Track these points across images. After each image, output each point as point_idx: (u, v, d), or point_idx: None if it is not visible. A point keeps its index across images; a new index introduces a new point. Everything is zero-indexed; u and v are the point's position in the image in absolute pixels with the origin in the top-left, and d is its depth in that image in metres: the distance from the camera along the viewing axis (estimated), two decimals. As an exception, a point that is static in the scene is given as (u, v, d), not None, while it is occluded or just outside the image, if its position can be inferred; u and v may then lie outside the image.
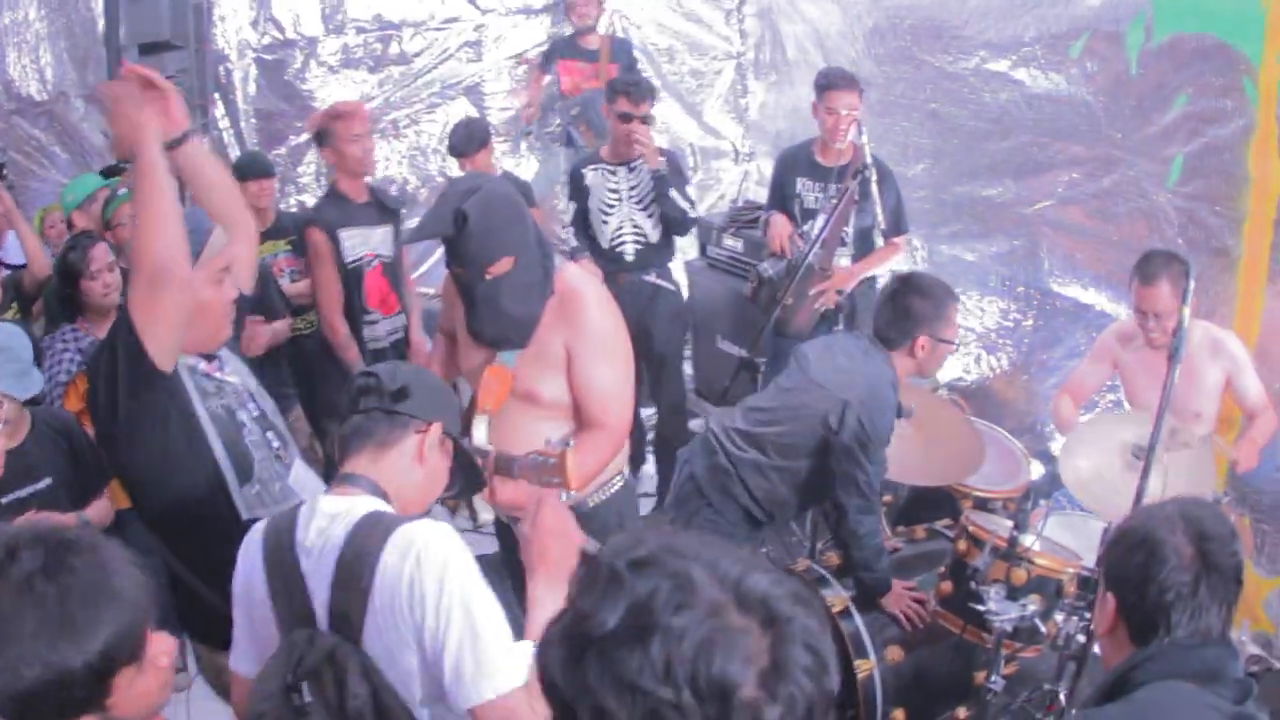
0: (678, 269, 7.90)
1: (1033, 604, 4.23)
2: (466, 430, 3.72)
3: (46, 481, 4.28)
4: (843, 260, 6.28)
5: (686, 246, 8.85)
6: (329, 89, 8.34)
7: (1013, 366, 7.31)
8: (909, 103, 7.73)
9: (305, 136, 7.67)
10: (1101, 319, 6.43)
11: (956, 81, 7.28)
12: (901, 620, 4.63)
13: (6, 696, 1.96)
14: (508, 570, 4.28)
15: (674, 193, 6.47)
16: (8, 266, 6.10)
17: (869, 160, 5.61)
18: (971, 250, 7.47)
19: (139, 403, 3.22)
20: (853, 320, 6.30)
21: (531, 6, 9.09)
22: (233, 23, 7.90)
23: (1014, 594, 4.25)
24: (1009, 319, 7.29)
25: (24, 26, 6.90)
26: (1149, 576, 2.47)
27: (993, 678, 4.23)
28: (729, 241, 7.85)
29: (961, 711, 4.61)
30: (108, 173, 6.11)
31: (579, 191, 6.72)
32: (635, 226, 6.63)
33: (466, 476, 3.15)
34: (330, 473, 3.22)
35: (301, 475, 3.56)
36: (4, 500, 4.15)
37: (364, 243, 5.77)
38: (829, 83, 6.17)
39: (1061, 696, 4.28)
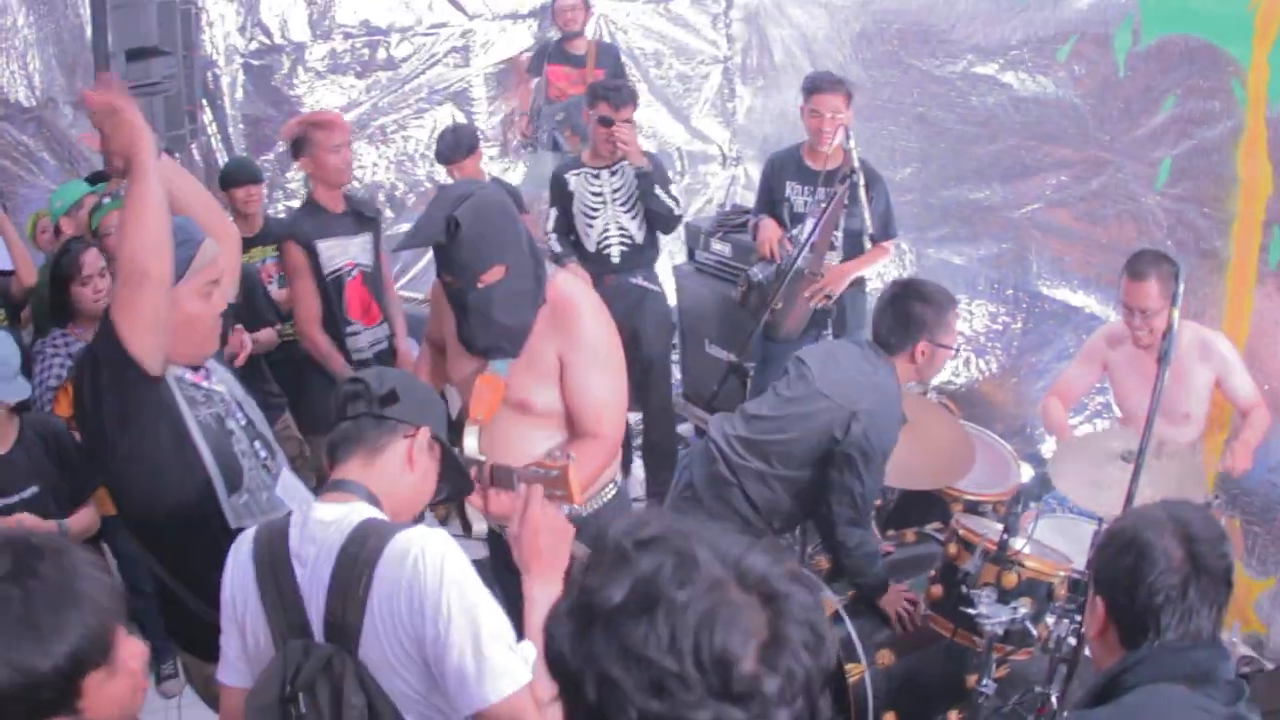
0: (665, 273, 7.90)
1: (1024, 607, 4.24)
2: (457, 441, 3.69)
3: (34, 489, 4.27)
4: (832, 264, 6.27)
5: (675, 251, 8.86)
6: (316, 94, 8.34)
7: (1002, 369, 7.32)
8: (896, 106, 7.73)
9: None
10: (1091, 321, 6.44)
11: (944, 85, 7.30)
12: (893, 620, 4.63)
13: None
14: (497, 581, 4.26)
15: (660, 190, 6.48)
16: (-4, 272, 6.08)
17: (856, 165, 5.61)
18: (960, 253, 7.48)
19: (125, 410, 3.18)
20: (842, 324, 6.32)
21: (518, 11, 9.10)
22: (220, 29, 7.89)
23: (1005, 597, 4.25)
24: (998, 322, 7.30)
25: (12, 32, 6.88)
26: (1139, 579, 2.47)
27: (984, 681, 4.23)
28: (717, 246, 7.83)
29: (953, 715, 4.60)
30: (94, 179, 6.09)
31: (562, 197, 6.71)
32: (621, 228, 6.64)
33: (454, 479, 3.14)
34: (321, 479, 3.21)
35: (289, 484, 3.54)
36: (-9, 507, 4.14)
37: (343, 253, 5.69)
38: (814, 86, 6.20)
39: (1053, 699, 4.29)
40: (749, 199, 8.41)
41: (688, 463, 5.01)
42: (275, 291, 6.21)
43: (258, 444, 3.52)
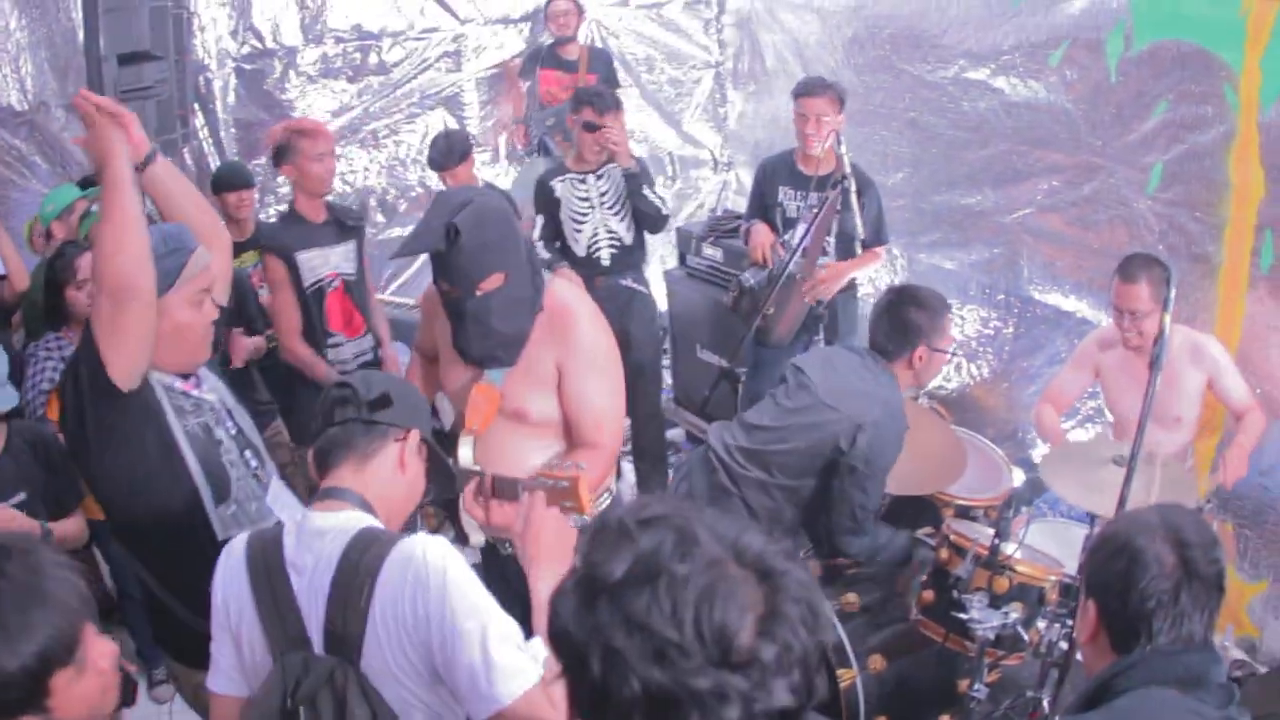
0: (656, 279, 7.91)
1: (1015, 612, 4.24)
2: (451, 452, 3.68)
3: (22, 495, 4.24)
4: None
5: (666, 256, 8.86)
6: (308, 99, 8.32)
7: (993, 374, 7.32)
8: (888, 112, 7.74)
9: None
10: (1082, 326, 6.44)
11: (936, 90, 7.30)
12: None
13: None
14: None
15: (647, 190, 6.53)
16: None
17: (848, 170, 5.62)
18: (951, 259, 7.48)
19: (106, 421, 3.16)
20: (833, 330, 6.31)
21: (510, 16, 9.09)
22: (212, 33, 7.87)
23: (996, 602, 4.25)
24: (989, 327, 7.30)
25: (4, 36, 6.85)
26: (1130, 584, 2.47)
27: (976, 686, 4.23)
28: (708, 251, 7.83)
29: (945, 719, 4.60)
30: (85, 183, 6.07)
31: (548, 203, 6.74)
32: (609, 231, 6.68)
33: (440, 480, 3.13)
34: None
35: (278, 494, 3.52)
36: (-23, 514, 4.11)
37: (324, 263, 5.64)
38: (801, 89, 6.24)
39: (1045, 703, 4.29)
40: (740, 204, 8.40)
41: (686, 471, 5.00)
42: (264, 297, 6.18)
43: (248, 453, 3.50)
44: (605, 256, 6.70)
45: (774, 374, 5.38)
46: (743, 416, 4.92)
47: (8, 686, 2.01)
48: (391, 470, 2.81)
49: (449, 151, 6.63)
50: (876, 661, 4.58)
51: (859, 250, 6.05)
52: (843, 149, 5.65)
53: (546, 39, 8.83)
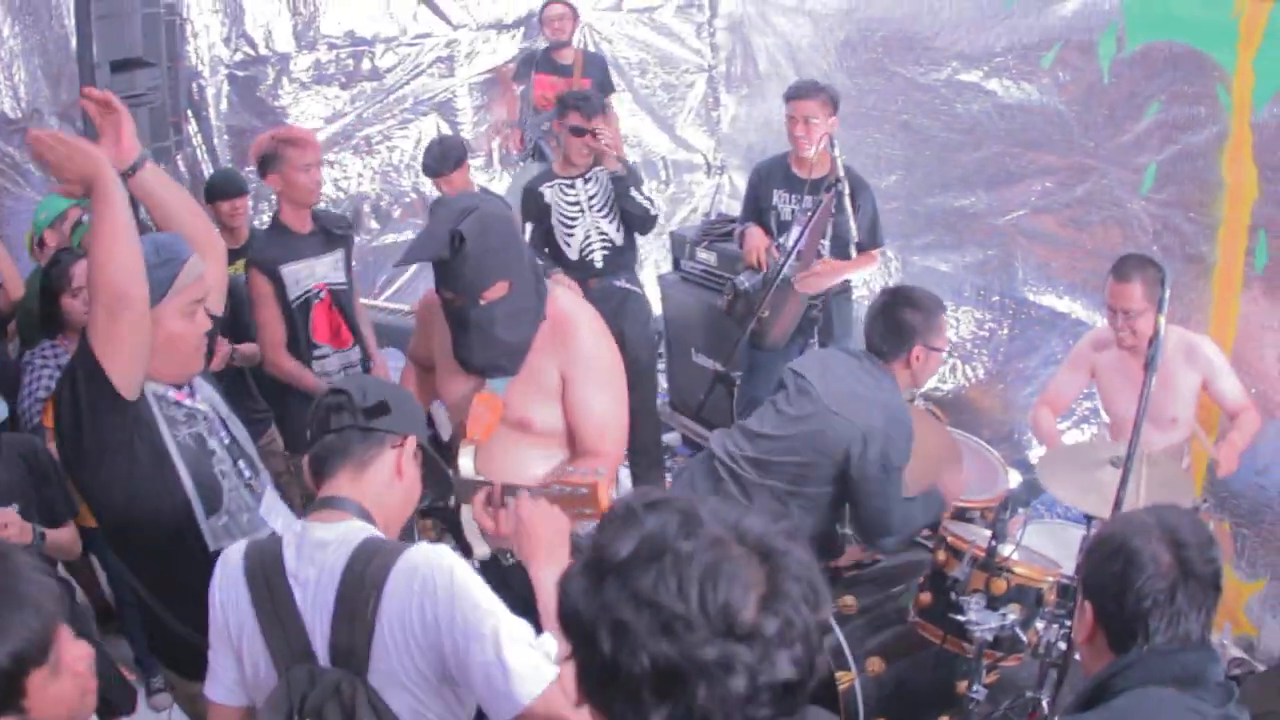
0: (650, 283, 7.91)
1: (1013, 613, 4.24)
2: (451, 462, 3.66)
3: (14, 508, 4.24)
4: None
5: (660, 260, 8.86)
6: (301, 105, 8.33)
7: (989, 376, 7.33)
8: (881, 114, 7.75)
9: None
10: (1077, 327, 6.45)
11: (928, 93, 7.31)
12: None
13: None
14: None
15: (634, 192, 6.56)
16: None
17: (841, 173, 5.62)
18: (945, 261, 7.49)
19: (103, 430, 3.14)
20: (828, 333, 6.31)
21: (503, 21, 9.09)
22: (205, 39, 7.86)
23: (994, 604, 4.25)
24: (984, 329, 7.30)
25: (-2, 43, 6.88)
26: (1127, 585, 2.47)
27: (974, 687, 4.23)
28: (702, 255, 7.82)
29: (943, 721, 4.61)
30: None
31: (538, 210, 6.74)
32: (601, 233, 6.70)
33: (437, 486, 3.12)
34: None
35: (273, 504, 3.50)
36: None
37: (310, 275, 5.54)
38: (792, 92, 6.28)
39: (1044, 704, 4.29)
40: (734, 208, 8.42)
41: (688, 478, 4.99)
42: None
43: (241, 463, 3.46)
44: (598, 259, 6.72)
45: (769, 377, 5.38)
46: (745, 424, 4.89)
47: None
48: (388, 477, 2.79)
49: (444, 158, 6.61)
50: (875, 664, 4.58)
51: (854, 253, 6.05)
52: (836, 152, 5.66)
53: (541, 43, 8.84)
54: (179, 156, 7.42)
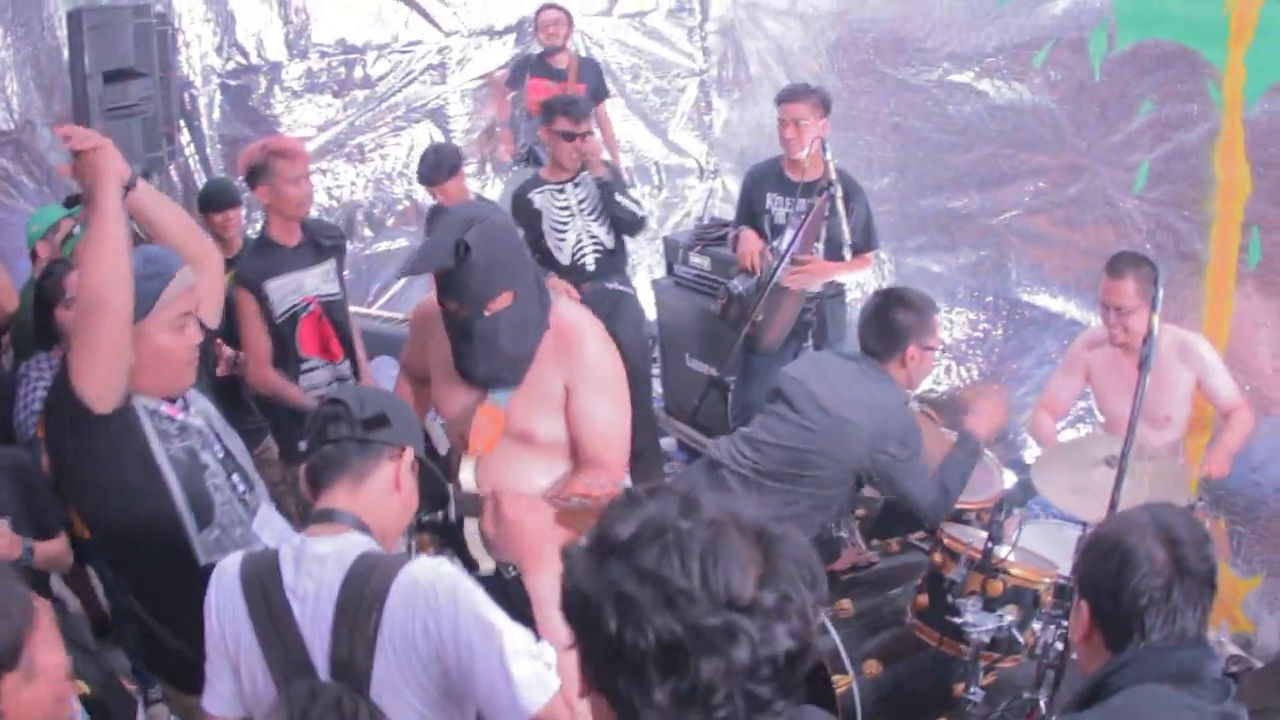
0: (644, 288, 7.90)
1: (1010, 615, 4.23)
2: (451, 476, 3.64)
3: (4, 522, 4.23)
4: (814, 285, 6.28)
5: (654, 265, 8.85)
6: (294, 114, 8.34)
7: (983, 377, 7.32)
8: (873, 116, 7.76)
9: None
10: (1071, 327, 6.45)
11: (920, 94, 7.32)
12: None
13: None
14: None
15: (620, 196, 6.55)
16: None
17: (834, 176, 5.62)
18: (939, 262, 7.49)
19: (83, 444, 3.12)
20: (822, 336, 6.31)
21: (494, 28, 9.10)
22: (197, 49, 7.88)
23: (991, 605, 4.24)
24: (978, 329, 7.30)
25: (-11, 55, 6.87)
26: (1122, 583, 2.47)
27: (972, 689, 4.23)
28: (696, 259, 7.81)
29: (941, 723, 4.60)
30: (70, 202, 6.05)
31: (528, 216, 6.71)
32: (592, 237, 6.68)
33: (431, 494, 3.11)
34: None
35: (267, 517, 3.48)
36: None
37: (298, 289, 5.41)
38: (783, 95, 6.29)
39: (1041, 704, 4.28)
40: (727, 212, 8.42)
41: (688, 485, 4.97)
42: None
43: (235, 476, 3.42)
44: (590, 262, 6.71)
45: (764, 381, 5.38)
46: (749, 433, 4.84)
47: None
48: (386, 489, 2.75)
49: (438, 166, 6.60)
50: (872, 666, 4.58)
51: (847, 256, 6.06)
52: (828, 155, 5.66)
53: (535, 48, 8.83)
54: (172, 166, 7.41)
